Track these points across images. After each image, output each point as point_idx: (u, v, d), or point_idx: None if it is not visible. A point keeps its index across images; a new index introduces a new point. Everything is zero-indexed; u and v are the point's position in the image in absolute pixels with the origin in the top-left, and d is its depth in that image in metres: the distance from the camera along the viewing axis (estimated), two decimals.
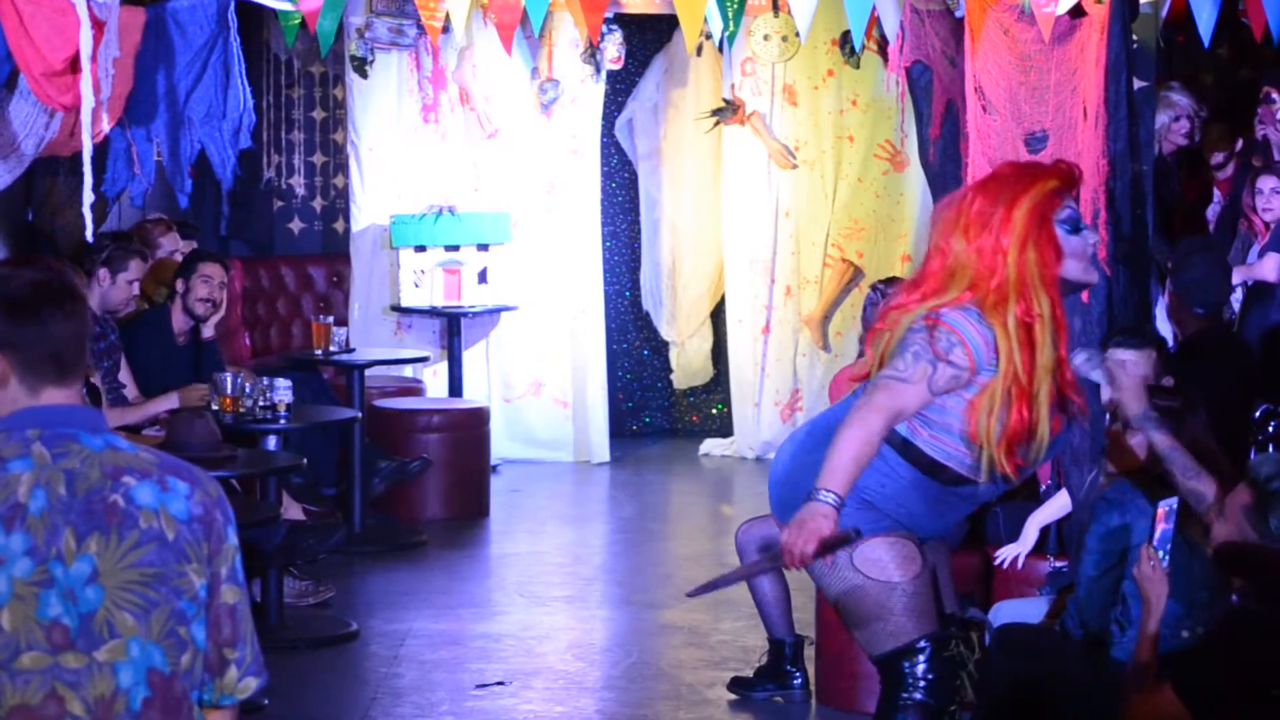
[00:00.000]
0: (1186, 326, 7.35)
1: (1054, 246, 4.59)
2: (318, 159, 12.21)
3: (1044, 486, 7.03)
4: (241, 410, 8.12)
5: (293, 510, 8.32)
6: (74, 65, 6.80)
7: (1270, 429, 7.23)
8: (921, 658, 4.71)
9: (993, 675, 5.73)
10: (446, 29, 8.86)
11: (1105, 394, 6.40)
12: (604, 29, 10.77)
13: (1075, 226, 4.65)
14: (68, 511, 2.88)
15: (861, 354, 6.84)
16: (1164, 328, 7.77)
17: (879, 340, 4.68)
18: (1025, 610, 6.19)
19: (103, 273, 8.40)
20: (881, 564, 4.67)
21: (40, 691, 2.85)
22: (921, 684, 4.72)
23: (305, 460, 8.10)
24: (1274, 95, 9.19)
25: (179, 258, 9.22)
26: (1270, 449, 7.07)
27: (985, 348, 4.55)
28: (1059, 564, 6.65)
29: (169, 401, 8.27)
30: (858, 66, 11.37)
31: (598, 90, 11.39)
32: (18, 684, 2.84)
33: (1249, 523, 4.78)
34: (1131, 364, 6.13)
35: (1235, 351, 7.38)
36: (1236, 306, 8.52)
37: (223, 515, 2.98)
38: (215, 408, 8.03)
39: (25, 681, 2.85)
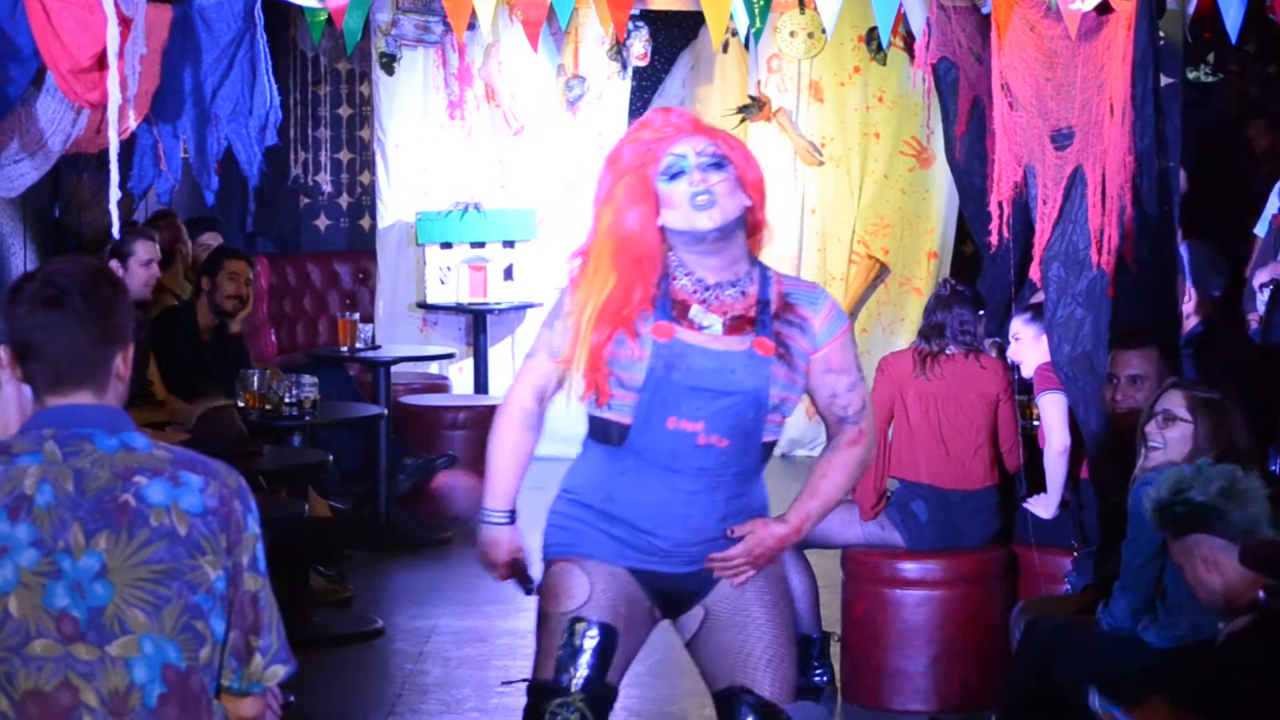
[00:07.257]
0: None
1: (625, 201, 4.28)
2: (344, 156, 12.23)
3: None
4: (267, 407, 8.13)
5: (319, 507, 8.33)
6: (101, 62, 6.80)
7: None
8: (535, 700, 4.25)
9: (1021, 672, 5.72)
10: (473, 26, 8.85)
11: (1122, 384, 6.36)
12: (630, 26, 10.77)
13: (675, 173, 4.33)
14: (75, 508, 2.91)
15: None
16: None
17: None
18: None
19: (113, 265, 8.38)
20: (548, 591, 4.33)
21: (53, 679, 2.88)
22: None
23: (331, 457, 8.10)
24: None
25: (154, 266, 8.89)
26: None
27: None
28: (1082, 551, 6.61)
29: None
30: (884, 63, 11.35)
31: (624, 87, 11.39)
32: (30, 669, 2.88)
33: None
34: (1138, 360, 6.15)
35: None
36: (1262, 308, 8.49)
37: (242, 505, 3.00)
38: (241, 405, 8.04)
39: (38, 668, 2.88)
